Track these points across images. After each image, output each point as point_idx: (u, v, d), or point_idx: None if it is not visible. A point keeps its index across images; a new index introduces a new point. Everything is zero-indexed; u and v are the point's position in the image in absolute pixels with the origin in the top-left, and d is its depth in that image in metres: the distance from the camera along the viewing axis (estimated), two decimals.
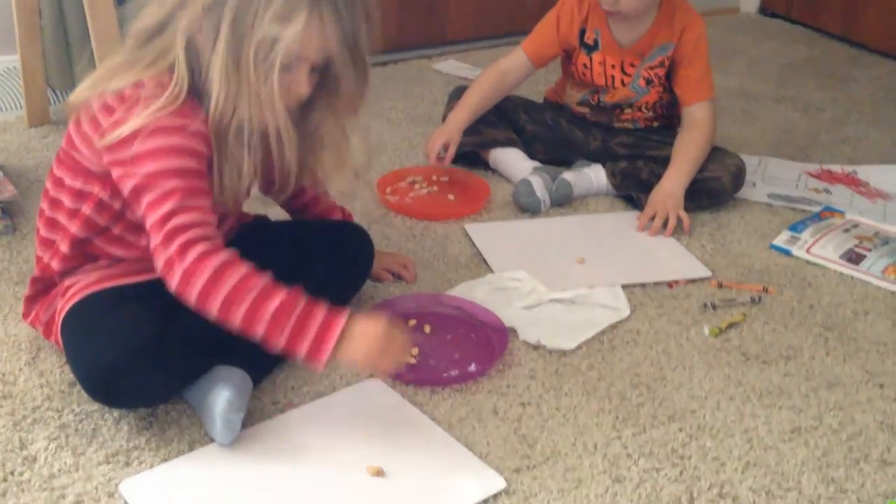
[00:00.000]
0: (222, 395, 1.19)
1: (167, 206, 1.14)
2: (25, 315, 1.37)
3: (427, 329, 1.48)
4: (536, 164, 1.99)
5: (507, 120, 2.05)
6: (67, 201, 1.27)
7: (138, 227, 1.24)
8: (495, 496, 1.17)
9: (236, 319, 1.14)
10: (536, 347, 1.47)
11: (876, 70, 2.95)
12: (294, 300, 1.15)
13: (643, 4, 1.87)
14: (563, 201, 1.94)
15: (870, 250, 1.78)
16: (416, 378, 1.35)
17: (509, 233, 1.83)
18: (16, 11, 2.05)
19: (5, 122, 2.18)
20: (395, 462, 1.20)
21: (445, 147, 1.94)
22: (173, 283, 1.15)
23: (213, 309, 1.14)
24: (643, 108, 2.01)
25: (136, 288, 1.27)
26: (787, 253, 1.80)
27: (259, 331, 1.14)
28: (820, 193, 2.05)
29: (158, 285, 1.16)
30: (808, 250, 1.79)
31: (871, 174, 2.16)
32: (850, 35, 3.14)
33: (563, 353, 1.45)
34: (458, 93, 2.10)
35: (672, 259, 1.76)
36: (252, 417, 1.27)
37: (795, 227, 1.86)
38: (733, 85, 2.72)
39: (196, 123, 1.18)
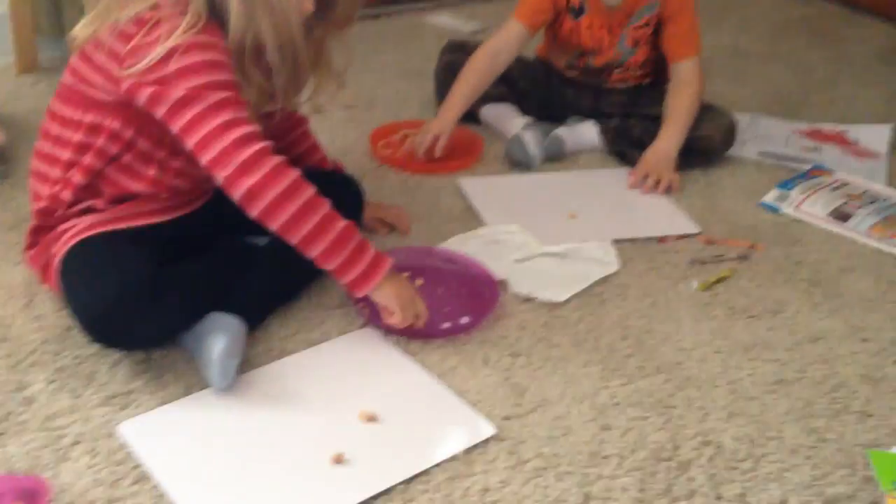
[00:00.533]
0: (219, 341, 1.21)
1: (221, 116, 1.18)
2: (30, 247, 1.35)
3: (419, 282, 1.49)
4: (529, 119, 2.00)
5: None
6: (78, 136, 1.27)
7: (147, 157, 1.28)
8: (486, 442, 1.19)
9: (300, 232, 1.20)
10: (527, 300, 1.49)
11: (868, 30, 2.95)
12: (352, 230, 1.25)
13: None
14: (556, 157, 1.95)
15: (858, 209, 1.80)
16: (408, 331, 1.37)
17: (502, 187, 1.85)
18: None
19: None
20: (388, 408, 1.23)
21: (435, 139, 1.88)
22: (226, 171, 1.18)
23: (274, 209, 1.18)
24: (632, 69, 2.00)
25: (135, 231, 1.28)
26: (776, 210, 1.82)
27: (316, 248, 1.22)
28: (810, 152, 2.07)
29: (155, 230, 1.17)
30: (797, 207, 1.81)
31: (861, 133, 2.17)
32: None
33: (553, 306, 1.48)
34: (451, 47, 2.09)
35: (662, 215, 1.78)
36: (247, 364, 1.29)
37: (785, 185, 1.88)
38: (725, 43, 2.72)
39: (222, 42, 1.22)
